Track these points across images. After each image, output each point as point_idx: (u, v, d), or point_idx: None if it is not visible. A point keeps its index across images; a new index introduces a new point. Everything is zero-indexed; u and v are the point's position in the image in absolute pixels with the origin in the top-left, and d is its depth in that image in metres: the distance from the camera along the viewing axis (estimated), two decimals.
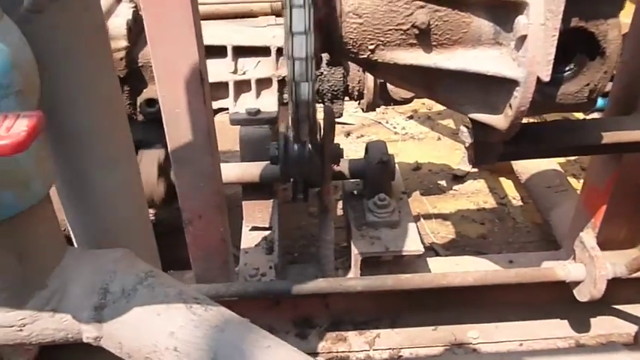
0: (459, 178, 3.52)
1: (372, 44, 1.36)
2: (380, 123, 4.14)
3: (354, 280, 2.13)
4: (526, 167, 3.12)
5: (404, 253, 2.25)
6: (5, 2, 0.95)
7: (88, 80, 1.14)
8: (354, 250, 2.26)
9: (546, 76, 1.29)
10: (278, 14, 2.89)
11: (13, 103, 0.89)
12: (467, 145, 1.66)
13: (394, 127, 4.09)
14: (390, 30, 1.34)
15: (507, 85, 1.32)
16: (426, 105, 4.23)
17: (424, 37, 1.34)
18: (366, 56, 1.39)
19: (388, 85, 2.65)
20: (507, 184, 3.45)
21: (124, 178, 1.33)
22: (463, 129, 1.66)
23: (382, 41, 1.35)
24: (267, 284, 2.17)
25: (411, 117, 4.19)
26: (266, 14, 2.91)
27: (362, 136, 3.99)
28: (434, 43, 1.35)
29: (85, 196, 1.29)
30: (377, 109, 2.80)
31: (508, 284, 2.12)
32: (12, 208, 0.96)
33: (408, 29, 1.33)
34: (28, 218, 1.00)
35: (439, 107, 4.21)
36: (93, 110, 1.17)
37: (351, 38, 1.37)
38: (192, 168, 1.79)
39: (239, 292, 1.99)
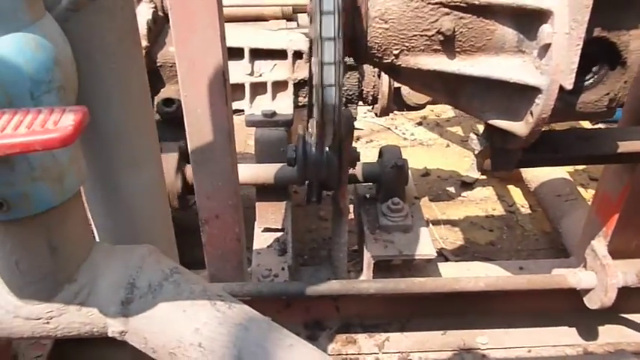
0: (467, 184, 3.53)
1: (396, 49, 1.38)
2: (389, 129, 4.15)
3: (366, 282, 2.14)
4: (536, 176, 3.13)
5: (417, 257, 2.26)
6: (45, 0, 0.97)
7: (121, 79, 1.16)
8: (367, 254, 2.27)
9: (569, 85, 1.30)
10: (289, 18, 2.90)
11: (54, 99, 0.91)
12: (476, 152, 1.68)
13: (403, 133, 4.10)
14: (414, 36, 1.35)
15: (529, 92, 1.33)
16: (434, 112, 4.25)
17: (448, 44, 1.35)
18: (390, 61, 1.40)
19: (402, 90, 2.67)
20: (516, 192, 3.46)
21: (149, 177, 1.35)
22: (472, 136, 1.67)
23: (407, 46, 1.37)
24: (281, 285, 2.18)
25: (420, 123, 4.21)
26: (277, 18, 2.92)
27: (371, 141, 4.00)
28: (457, 50, 1.36)
29: (111, 194, 1.31)
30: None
31: (518, 291, 2.13)
32: (47, 202, 0.98)
33: (432, 35, 1.34)
34: (61, 212, 1.02)
35: (448, 114, 4.24)
36: (124, 109, 1.19)
37: (376, 43, 1.38)
38: (212, 168, 1.80)
39: (253, 292, 2.00)
